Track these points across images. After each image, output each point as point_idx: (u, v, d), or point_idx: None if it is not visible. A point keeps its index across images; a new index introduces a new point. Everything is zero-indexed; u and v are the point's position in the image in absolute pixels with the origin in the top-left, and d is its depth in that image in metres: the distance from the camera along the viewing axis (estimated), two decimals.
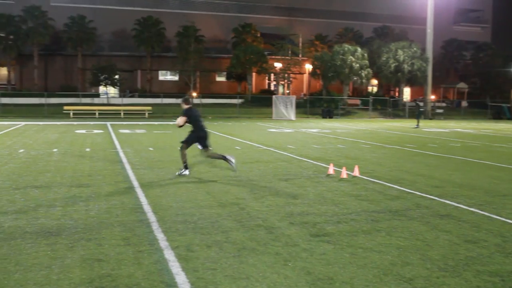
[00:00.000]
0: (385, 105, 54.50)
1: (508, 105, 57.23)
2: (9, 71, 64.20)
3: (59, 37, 63.47)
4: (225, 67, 65.83)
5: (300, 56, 66.14)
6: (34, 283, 5.03)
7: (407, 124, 38.78)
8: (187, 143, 11.91)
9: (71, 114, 40.91)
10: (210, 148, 11.93)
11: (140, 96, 60.47)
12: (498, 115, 55.24)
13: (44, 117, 39.00)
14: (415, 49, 54.85)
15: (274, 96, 48.03)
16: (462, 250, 6.38)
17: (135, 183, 10.56)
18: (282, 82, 66.00)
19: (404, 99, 62.08)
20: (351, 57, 53.46)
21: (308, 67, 61.92)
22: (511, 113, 55.42)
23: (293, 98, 45.51)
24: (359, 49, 54.63)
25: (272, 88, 72.48)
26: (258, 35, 68.21)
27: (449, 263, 5.87)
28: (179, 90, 66.60)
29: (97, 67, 60.29)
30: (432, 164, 14.52)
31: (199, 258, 5.86)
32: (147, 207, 8.35)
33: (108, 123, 32.67)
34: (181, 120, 11.93)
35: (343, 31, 72.18)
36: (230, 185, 10.50)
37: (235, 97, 55.34)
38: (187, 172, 11.81)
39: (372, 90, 71.54)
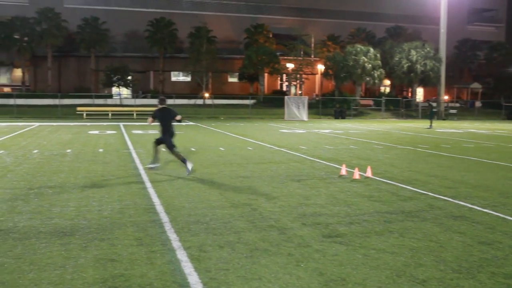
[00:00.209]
0: (398, 105, 54.20)
1: None
2: (23, 73, 64.83)
3: (73, 39, 63.97)
4: (237, 67, 65.90)
5: (312, 56, 66.02)
6: (48, 282, 5.07)
7: (420, 124, 38.54)
8: (157, 142, 12.49)
9: (85, 115, 41.21)
10: (172, 150, 12.29)
11: (152, 97, 60.66)
12: None
13: (57, 118, 39.32)
14: (428, 49, 54.47)
15: (286, 97, 47.99)
16: (476, 251, 6.33)
17: (148, 184, 10.61)
18: (294, 83, 65.90)
19: (417, 100, 61.70)
20: (363, 57, 53.24)
21: (320, 67, 61.77)
22: None
23: (305, 98, 45.43)
24: (371, 50, 54.38)
25: (284, 88, 72.40)
26: (270, 35, 68.18)
27: (463, 264, 5.83)
28: (192, 91, 66.83)
29: (110, 68, 60.67)
30: (445, 165, 14.42)
31: (212, 258, 5.88)
32: (159, 208, 8.39)
33: (121, 124, 32.86)
34: (148, 120, 12.62)
35: (355, 31, 71.92)
36: (243, 186, 10.51)
37: (247, 98, 55.37)
38: (190, 165, 11.99)
39: (384, 91, 71.17)
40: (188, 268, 5.54)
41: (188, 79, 71.24)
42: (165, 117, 12.34)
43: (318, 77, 70.03)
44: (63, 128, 28.55)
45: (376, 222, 7.65)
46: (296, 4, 75.79)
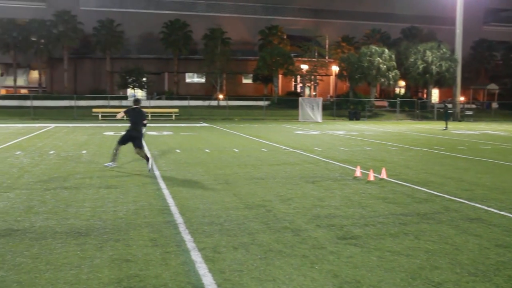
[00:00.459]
0: (413, 107, 53.83)
1: None
2: (40, 74, 65.55)
3: (88, 41, 64.55)
4: (251, 69, 65.95)
5: (326, 57, 65.85)
6: (64, 282, 5.12)
7: (436, 126, 38.24)
8: (121, 141, 13.05)
9: (100, 116, 41.55)
10: (141, 149, 12.89)
11: (167, 99, 61.02)
12: None
13: (73, 120, 39.69)
14: (444, 50, 54.02)
15: (300, 98, 47.92)
16: (493, 254, 6.26)
17: (162, 185, 10.66)
18: (309, 84, 65.81)
19: (432, 101, 61.23)
20: (378, 58, 52.99)
21: (335, 68, 61.59)
22: None
23: (320, 100, 45.34)
24: (386, 51, 54.10)
25: (299, 90, 72.32)
26: (285, 37, 68.15)
27: (479, 267, 5.77)
28: (206, 92, 67.03)
29: (125, 70, 61.09)
30: (461, 167, 14.29)
31: (226, 259, 5.89)
32: (174, 209, 8.42)
33: None
34: (119, 114, 13.54)
35: (370, 32, 71.59)
36: (257, 187, 10.51)
37: (261, 99, 55.38)
38: (149, 163, 12.62)
39: (399, 92, 70.76)
40: (202, 269, 5.56)
41: (203, 80, 71.47)
42: (136, 117, 13.06)
43: (332, 78, 69.85)
44: (79, 129, 28.80)
45: (391, 224, 7.61)
46: (311, 5, 75.67)
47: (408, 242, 6.72)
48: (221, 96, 59.98)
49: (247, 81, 73.02)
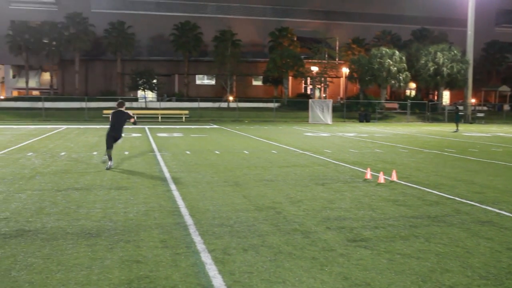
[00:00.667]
0: (424, 109, 53.56)
1: None
2: (51, 76, 66.10)
3: (99, 43, 64.98)
4: (261, 71, 66.03)
5: (337, 59, 65.76)
6: (75, 282, 5.16)
7: (446, 128, 38.03)
8: (108, 146, 13.45)
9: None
10: (110, 149, 13.47)
11: (177, 100, 61.27)
12: None
13: (84, 121, 39.94)
14: (455, 51, 53.71)
15: (310, 100, 47.90)
16: (505, 258, 6.22)
17: (173, 186, 10.69)
18: (319, 86, 65.74)
19: (443, 103, 60.90)
20: (388, 60, 52.83)
21: (345, 70, 61.47)
22: None
23: (330, 102, 45.28)
24: (397, 52, 53.93)
25: (309, 92, 72.27)
26: (295, 38, 68.16)
27: (490, 271, 5.73)
28: (216, 94, 67.20)
29: (136, 72, 61.39)
30: (472, 169, 14.20)
31: (236, 261, 5.89)
32: (184, 210, 8.44)
33: (146, 127, 33.20)
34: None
35: (380, 34, 71.41)
36: (267, 189, 10.51)
37: (271, 101, 55.42)
38: (110, 163, 13.30)
39: (410, 94, 70.48)
40: (212, 270, 5.57)
41: (213, 82, 71.66)
42: (117, 119, 13.65)
43: (342, 80, 69.75)
44: (89, 130, 28.98)
45: (401, 227, 7.58)
46: (321, 7, 75.62)
47: (419, 244, 6.69)
48: (231, 98, 60.09)
49: (257, 83, 73.11)
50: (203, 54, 68.18)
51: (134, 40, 64.95)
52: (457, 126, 34.74)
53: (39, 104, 47.42)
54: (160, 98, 62.46)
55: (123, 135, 14.10)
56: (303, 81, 70.94)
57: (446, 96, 69.78)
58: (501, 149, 21.10)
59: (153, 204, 8.92)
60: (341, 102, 58.84)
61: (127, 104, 54.75)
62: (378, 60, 53.02)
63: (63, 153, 16.78)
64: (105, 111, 43.13)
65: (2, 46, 63.05)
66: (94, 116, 42.86)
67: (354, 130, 33.22)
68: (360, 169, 13.72)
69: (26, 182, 11.02)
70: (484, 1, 56.65)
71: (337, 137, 26.83)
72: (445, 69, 53.04)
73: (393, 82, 53.67)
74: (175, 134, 26.50)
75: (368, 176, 12.16)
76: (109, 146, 13.41)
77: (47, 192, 9.90)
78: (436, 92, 63.66)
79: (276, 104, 54.09)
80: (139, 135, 25.89)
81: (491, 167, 14.90)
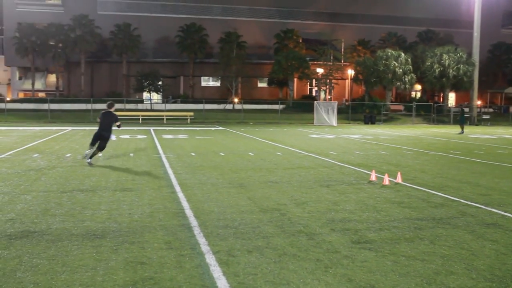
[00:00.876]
0: (429, 110, 53.43)
1: None
2: (57, 78, 66.36)
3: (105, 45, 65.20)
4: (266, 73, 66.02)
5: (342, 61, 65.69)
6: (80, 284, 5.17)
7: (452, 130, 37.91)
8: (92, 143, 14.50)
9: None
10: (95, 147, 14.51)
11: (182, 102, 61.35)
12: None
13: (90, 123, 40.02)
14: (460, 53, 53.52)
15: (315, 102, 47.88)
16: (510, 260, 6.19)
17: (177, 188, 10.70)
18: (324, 88, 65.69)
19: (449, 105, 60.69)
20: (394, 62, 52.71)
21: (350, 72, 61.38)
22: None
23: (335, 103, 45.21)
24: (402, 54, 53.79)
25: (314, 93, 72.21)
26: (300, 40, 68.16)
27: (496, 273, 5.71)
28: (221, 96, 67.25)
29: (141, 74, 61.54)
30: (478, 171, 14.15)
31: (240, 263, 5.90)
32: (189, 212, 8.46)
33: (151, 129, 33.26)
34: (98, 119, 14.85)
35: (386, 36, 71.30)
36: (272, 191, 10.51)
37: (276, 103, 55.42)
38: (89, 160, 14.23)
39: (415, 96, 70.30)
40: (216, 272, 5.58)
41: (218, 84, 71.74)
42: (106, 120, 14.52)
43: (348, 82, 69.68)
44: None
45: (406, 229, 7.56)
46: (326, 9, 75.57)
47: (424, 247, 6.67)
48: (236, 100, 60.13)
49: (262, 84, 73.13)
50: (209, 56, 68.28)
51: (140, 42, 65.12)
52: (462, 127, 34.63)
53: (44, 106, 47.59)
54: (165, 100, 62.62)
55: (113, 137, 14.98)
56: (308, 83, 70.91)
57: (451, 98, 69.59)
58: (507, 151, 21.01)
59: (158, 205, 8.94)
60: (346, 104, 58.73)
61: (132, 106, 55.07)
62: (383, 62, 52.90)
63: (68, 155, 16.84)
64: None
65: (8, 48, 63.39)
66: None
67: (359, 132, 33.17)
68: (365, 171, 13.70)
69: (32, 183, 11.06)
70: (491, 2, 56.48)
71: (342, 139, 26.80)
72: (451, 70, 52.86)
73: (398, 84, 53.52)
74: (180, 136, 26.54)
75: (373, 178, 12.15)
76: (92, 143, 14.49)
77: (53, 193, 9.94)
78: (441, 94, 63.48)
79: (281, 106, 54.07)
80: (144, 136, 25.94)
81: (497, 169, 14.85)
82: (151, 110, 54.17)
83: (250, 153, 18.09)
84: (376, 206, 9.13)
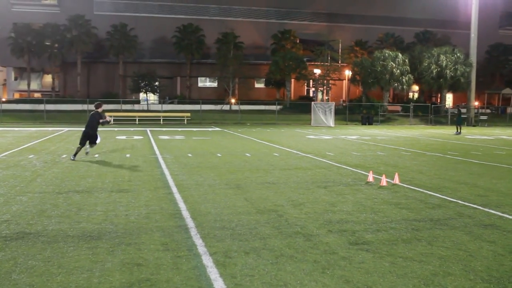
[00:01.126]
0: (427, 111, 53.48)
1: None
2: (53, 79, 66.19)
3: (102, 45, 65.10)
4: (264, 73, 66.03)
5: (339, 62, 65.74)
6: (76, 285, 5.14)
7: (449, 131, 37.96)
8: (81, 142, 15.62)
9: (112, 120, 41.74)
10: (88, 146, 15.83)
11: (179, 103, 61.28)
12: None
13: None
14: (458, 54, 53.59)
15: (313, 103, 47.88)
16: (507, 261, 6.18)
17: (174, 189, 10.67)
18: (321, 89, 65.70)
19: (446, 106, 60.77)
20: (391, 63, 52.77)
21: (348, 73, 61.42)
22: None
23: (332, 104, 45.23)
24: (400, 55, 53.86)
25: (311, 94, 72.23)
26: (297, 41, 68.18)
27: (493, 274, 5.69)
28: (218, 96, 67.22)
29: (138, 74, 61.47)
30: (475, 172, 14.15)
31: (237, 264, 5.87)
32: (185, 213, 8.42)
33: (148, 129, 33.21)
34: None
35: (383, 37, 71.37)
36: (269, 192, 10.49)
37: (273, 104, 55.43)
38: (73, 157, 15.35)
39: (413, 96, 70.38)
40: (213, 273, 5.55)
41: (215, 84, 71.71)
42: (92, 118, 15.62)
43: (345, 83, 69.75)
44: None
45: (403, 230, 7.55)
46: (324, 10, 75.64)
47: (421, 248, 6.65)
48: (233, 101, 60.11)
49: (259, 85, 73.12)
50: (206, 56, 68.25)
51: (137, 43, 65.03)
52: (459, 128, 34.66)
53: (40, 107, 47.47)
54: (162, 101, 62.52)
55: (98, 139, 16.06)
56: (305, 84, 70.94)
57: (449, 98, 69.71)
58: (504, 152, 21.04)
59: (154, 207, 8.90)
60: (344, 104, 58.78)
61: (128, 107, 54.98)
62: (381, 62, 52.97)
63: (64, 156, 16.78)
64: (107, 114, 43.14)
65: (4, 48, 63.19)
66: None
67: (356, 133, 33.19)
68: (362, 172, 13.68)
69: (27, 184, 11.01)
70: (488, 3, 56.55)
71: (340, 139, 26.80)
72: (448, 71, 52.94)
73: (396, 84, 53.60)
74: (177, 137, 26.49)
75: (371, 179, 12.13)
76: (81, 143, 15.59)
77: (48, 194, 9.89)
78: (439, 95, 63.52)
79: (279, 107, 54.05)
80: (141, 137, 25.90)
81: (494, 170, 14.85)
82: (148, 110, 54.10)
83: (247, 154, 18.06)
84: (373, 207, 9.11)
